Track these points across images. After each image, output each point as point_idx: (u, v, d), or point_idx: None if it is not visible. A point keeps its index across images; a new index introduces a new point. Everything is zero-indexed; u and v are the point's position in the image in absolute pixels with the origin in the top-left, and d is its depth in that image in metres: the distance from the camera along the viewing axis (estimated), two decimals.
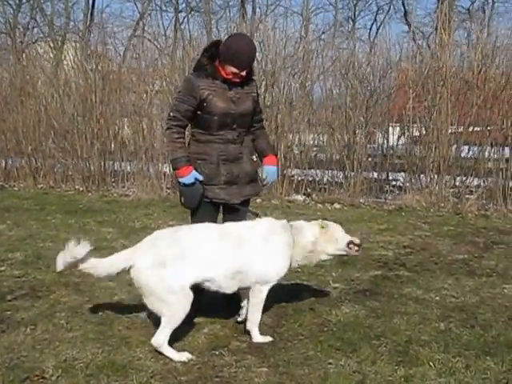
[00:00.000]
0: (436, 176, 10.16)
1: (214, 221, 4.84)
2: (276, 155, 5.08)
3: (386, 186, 10.83)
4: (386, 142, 10.98)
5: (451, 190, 10.10)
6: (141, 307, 5.02)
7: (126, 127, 12.03)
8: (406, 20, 12.11)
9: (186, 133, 4.82)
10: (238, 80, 4.65)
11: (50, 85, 12.37)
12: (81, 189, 11.69)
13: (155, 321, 4.42)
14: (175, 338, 4.44)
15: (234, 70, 4.57)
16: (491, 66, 10.36)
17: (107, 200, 10.62)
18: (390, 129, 11.12)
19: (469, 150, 10.37)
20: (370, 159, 10.81)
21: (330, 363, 4.16)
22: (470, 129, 10.36)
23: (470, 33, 11.85)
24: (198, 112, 4.66)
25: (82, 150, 11.74)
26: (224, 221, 4.96)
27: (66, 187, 11.86)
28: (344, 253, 4.69)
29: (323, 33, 11.81)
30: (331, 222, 4.75)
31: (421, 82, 10.66)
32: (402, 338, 4.53)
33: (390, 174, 10.92)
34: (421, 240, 7.66)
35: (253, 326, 4.55)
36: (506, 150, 10.17)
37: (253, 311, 4.54)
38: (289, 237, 4.51)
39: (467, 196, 9.99)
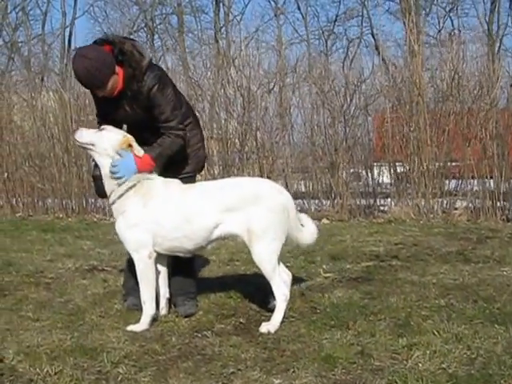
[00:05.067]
0: (424, 187, 9.80)
1: None
2: (152, 157, 4.18)
3: (375, 212, 10.26)
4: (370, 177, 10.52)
5: (439, 200, 9.72)
6: (115, 300, 4.67)
7: None
8: (378, 52, 11.87)
9: None
10: (110, 96, 4.23)
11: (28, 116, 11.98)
12: (60, 215, 11.16)
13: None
14: (152, 324, 4.12)
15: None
16: (463, 76, 10.16)
17: (87, 222, 10.11)
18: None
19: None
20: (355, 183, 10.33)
21: (325, 338, 3.78)
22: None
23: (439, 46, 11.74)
24: None
25: (60, 174, 11.27)
26: None
27: (44, 214, 11.30)
28: None
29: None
30: None
31: (395, 94, 10.46)
32: (400, 314, 4.16)
33: (377, 200, 10.36)
34: (412, 239, 7.23)
35: None
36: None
37: None
38: None
39: (456, 207, 9.67)
